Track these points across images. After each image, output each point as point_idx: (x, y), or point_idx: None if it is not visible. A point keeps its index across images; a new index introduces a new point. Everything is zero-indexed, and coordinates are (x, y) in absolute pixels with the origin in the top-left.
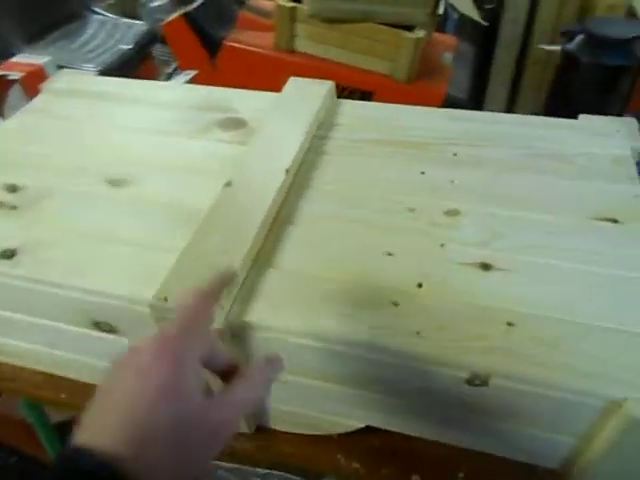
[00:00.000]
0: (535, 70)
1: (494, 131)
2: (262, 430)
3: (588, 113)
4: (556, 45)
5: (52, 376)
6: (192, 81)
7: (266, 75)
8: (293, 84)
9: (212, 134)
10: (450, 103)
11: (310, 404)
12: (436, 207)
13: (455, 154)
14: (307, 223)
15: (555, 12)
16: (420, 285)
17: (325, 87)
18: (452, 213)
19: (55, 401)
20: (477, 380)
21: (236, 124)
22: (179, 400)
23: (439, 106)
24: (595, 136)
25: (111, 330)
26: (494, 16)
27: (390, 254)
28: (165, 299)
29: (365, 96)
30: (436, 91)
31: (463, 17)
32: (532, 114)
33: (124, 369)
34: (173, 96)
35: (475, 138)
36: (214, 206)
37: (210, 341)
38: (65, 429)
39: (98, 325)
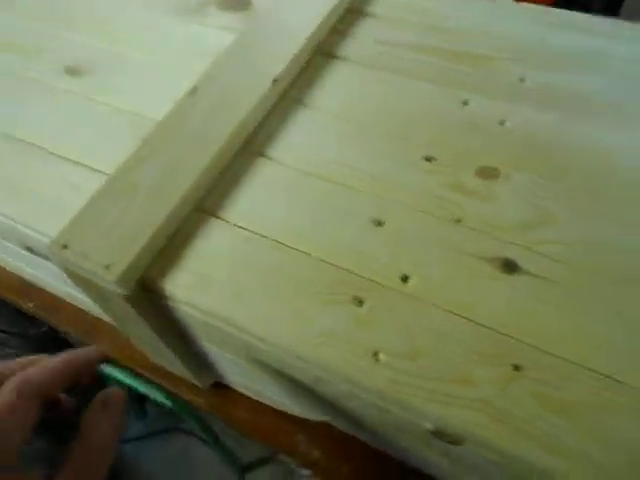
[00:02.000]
0: None
1: (590, 48)
2: (221, 387)
3: None
4: None
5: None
6: None
7: None
8: None
9: (207, 15)
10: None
11: (265, 386)
12: (467, 160)
13: (522, 79)
14: (283, 159)
15: None
16: (405, 279)
17: None
18: (488, 173)
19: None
20: (446, 438)
21: (238, 3)
22: None
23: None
24: None
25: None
26: None
27: (379, 223)
28: (65, 246)
29: None
30: None
31: None
32: None
33: None
34: None
35: (558, 56)
36: (164, 121)
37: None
38: None
39: (30, 250)
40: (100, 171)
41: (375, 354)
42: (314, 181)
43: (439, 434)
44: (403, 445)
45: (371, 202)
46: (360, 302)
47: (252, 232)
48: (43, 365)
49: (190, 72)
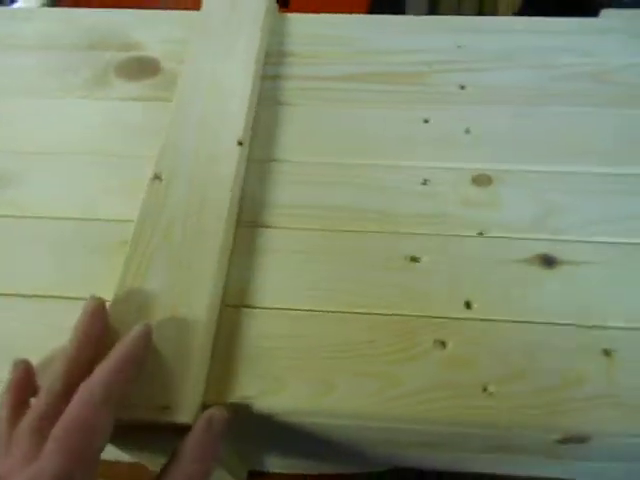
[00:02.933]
0: None
1: (503, 46)
2: (255, 475)
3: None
4: None
5: None
6: None
7: None
8: None
9: (111, 87)
10: None
11: (322, 456)
12: (458, 174)
13: (462, 87)
14: (283, 223)
15: None
16: (469, 305)
17: None
18: (482, 181)
19: None
20: (573, 441)
21: (145, 67)
22: None
23: None
24: (633, 39)
25: None
26: None
27: (414, 259)
28: None
29: None
30: None
31: None
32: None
33: None
34: (45, 29)
35: (481, 59)
36: (140, 221)
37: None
38: None
39: None
40: (78, 298)
41: (484, 389)
42: (328, 236)
43: (565, 441)
44: (495, 453)
45: (395, 240)
46: (442, 344)
47: (294, 309)
48: (103, 369)
49: (125, 155)
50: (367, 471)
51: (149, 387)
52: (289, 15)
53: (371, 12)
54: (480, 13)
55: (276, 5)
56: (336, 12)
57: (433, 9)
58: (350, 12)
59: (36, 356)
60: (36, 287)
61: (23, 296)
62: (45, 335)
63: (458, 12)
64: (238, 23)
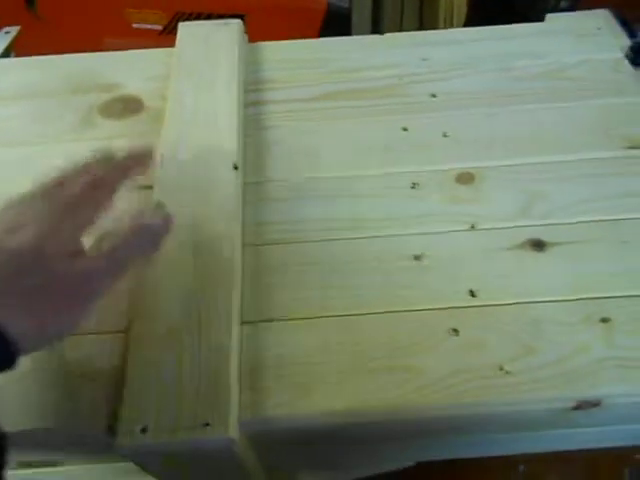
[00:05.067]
0: None
1: (462, 55)
2: None
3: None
4: None
5: None
6: (15, 41)
7: (102, 13)
8: (186, 32)
9: (97, 127)
10: (332, 14)
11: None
12: (442, 174)
13: (433, 95)
14: (287, 238)
15: None
16: (473, 293)
17: (234, 29)
18: (466, 178)
19: None
20: (586, 406)
21: (128, 106)
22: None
23: (321, 20)
24: (579, 39)
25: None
26: None
27: (417, 257)
28: (143, 430)
29: None
30: (317, 3)
31: None
32: None
33: None
34: (24, 79)
35: (445, 68)
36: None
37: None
38: None
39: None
40: (90, 333)
41: (500, 368)
42: (329, 245)
43: (579, 407)
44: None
45: (396, 242)
46: (455, 331)
47: (307, 318)
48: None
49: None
50: (392, 470)
51: (188, 409)
52: (258, 44)
53: (321, 34)
54: (420, 28)
55: (245, 36)
56: (291, 38)
57: (376, 26)
58: (303, 37)
59: None
60: None
61: None
62: None
63: (400, 28)
64: (214, 56)
